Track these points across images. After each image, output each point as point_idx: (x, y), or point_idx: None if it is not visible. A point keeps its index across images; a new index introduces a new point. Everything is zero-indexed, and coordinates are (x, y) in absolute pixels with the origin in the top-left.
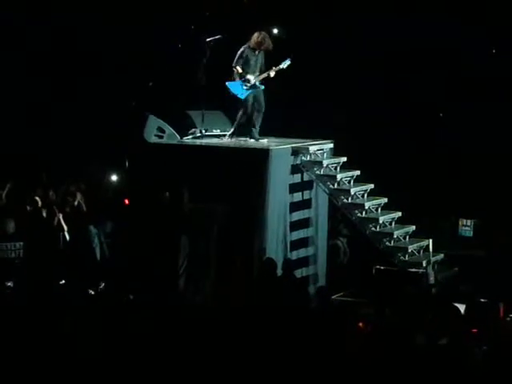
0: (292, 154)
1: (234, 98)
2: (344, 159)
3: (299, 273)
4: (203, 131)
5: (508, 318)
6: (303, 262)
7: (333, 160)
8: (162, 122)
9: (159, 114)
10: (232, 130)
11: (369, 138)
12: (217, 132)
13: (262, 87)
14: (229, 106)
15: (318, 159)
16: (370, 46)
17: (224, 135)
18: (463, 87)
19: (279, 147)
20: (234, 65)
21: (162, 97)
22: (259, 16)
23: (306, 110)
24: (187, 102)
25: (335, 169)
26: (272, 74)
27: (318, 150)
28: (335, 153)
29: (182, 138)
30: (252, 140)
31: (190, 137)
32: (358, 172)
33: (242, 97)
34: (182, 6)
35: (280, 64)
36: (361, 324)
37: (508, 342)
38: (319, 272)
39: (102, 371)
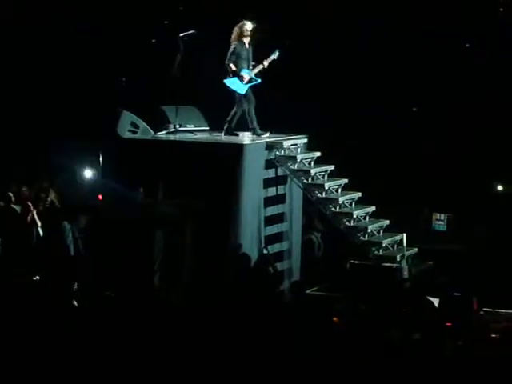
0: (266, 149)
1: (208, 93)
2: (318, 154)
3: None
4: (177, 126)
5: (481, 312)
6: (278, 256)
7: (307, 155)
8: (135, 117)
9: (133, 109)
10: (226, 126)
11: (343, 133)
12: (191, 127)
13: (259, 80)
14: (203, 101)
15: (292, 154)
16: (344, 42)
17: (198, 130)
18: (434, 85)
19: (253, 142)
20: (226, 62)
21: (136, 92)
22: (234, 10)
23: (279, 105)
24: (161, 97)
25: (309, 163)
26: (265, 65)
27: (292, 144)
28: (309, 147)
29: (155, 134)
30: (255, 135)
31: (164, 132)
32: (332, 167)
33: (243, 92)
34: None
35: (271, 55)
36: (335, 319)
37: (481, 336)
38: (294, 267)
39: (76, 368)
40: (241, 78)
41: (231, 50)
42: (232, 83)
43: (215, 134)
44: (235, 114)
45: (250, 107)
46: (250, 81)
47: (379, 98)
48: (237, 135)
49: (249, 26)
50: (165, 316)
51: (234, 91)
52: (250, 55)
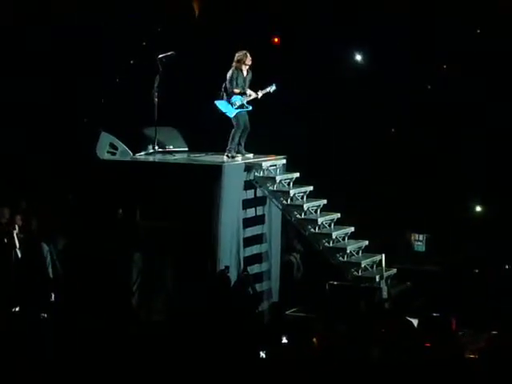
0: (245, 170)
1: (187, 114)
2: (297, 175)
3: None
4: (156, 147)
5: (460, 332)
6: (257, 277)
7: (286, 176)
8: (114, 138)
9: (112, 130)
10: (229, 147)
11: (321, 153)
12: (170, 148)
13: (250, 108)
14: (182, 122)
15: (270, 175)
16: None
17: (177, 151)
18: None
19: (232, 163)
20: (229, 87)
21: (115, 113)
22: (211, 30)
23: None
24: (140, 119)
25: (288, 184)
26: (259, 95)
27: (271, 165)
28: (288, 168)
29: (134, 155)
30: (239, 155)
31: (143, 153)
32: (310, 188)
33: (231, 115)
34: (134, 21)
35: (267, 87)
36: (315, 339)
37: (459, 356)
38: (273, 288)
39: None
40: (232, 104)
41: (230, 74)
42: (222, 105)
43: (194, 155)
44: (234, 136)
45: (243, 133)
46: (241, 107)
47: (357, 120)
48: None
49: (249, 58)
50: (144, 336)
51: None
52: (247, 82)
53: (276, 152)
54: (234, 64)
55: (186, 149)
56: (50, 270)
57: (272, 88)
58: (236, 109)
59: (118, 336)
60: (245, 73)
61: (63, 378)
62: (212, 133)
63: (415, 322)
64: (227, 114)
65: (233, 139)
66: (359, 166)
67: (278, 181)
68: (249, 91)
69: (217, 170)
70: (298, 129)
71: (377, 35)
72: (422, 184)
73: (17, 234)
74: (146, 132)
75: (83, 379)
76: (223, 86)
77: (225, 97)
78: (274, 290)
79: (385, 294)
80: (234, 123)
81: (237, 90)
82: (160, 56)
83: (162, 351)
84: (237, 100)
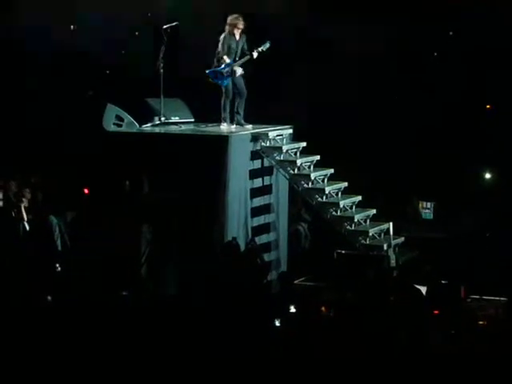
0: (251, 140)
1: (195, 85)
2: (304, 144)
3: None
4: (162, 119)
5: (469, 299)
6: (265, 247)
7: (292, 145)
8: (120, 110)
9: (117, 102)
10: (223, 116)
11: (328, 122)
12: (176, 119)
13: (240, 71)
14: (187, 93)
15: (277, 145)
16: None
17: (183, 122)
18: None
19: (238, 133)
20: (220, 55)
21: (120, 85)
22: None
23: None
24: (146, 90)
25: (295, 154)
26: (254, 56)
27: (277, 135)
28: (294, 138)
29: (140, 126)
30: (238, 126)
31: (149, 124)
32: (317, 157)
33: (224, 84)
34: None
35: (260, 46)
36: (323, 308)
37: (469, 323)
38: (281, 257)
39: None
40: (223, 68)
41: (221, 40)
42: (213, 74)
43: (201, 126)
44: (225, 104)
45: (237, 97)
46: (232, 73)
47: (364, 90)
48: (242, 125)
49: (242, 22)
50: (153, 308)
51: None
52: (239, 48)
53: (281, 123)
54: (226, 28)
55: (192, 120)
56: (59, 243)
57: (266, 46)
58: (227, 76)
59: (128, 309)
60: (237, 37)
61: (68, 354)
62: (218, 103)
63: (423, 289)
64: (219, 83)
65: (224, 108)
66: (366, 134)
67: (284, 150)
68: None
69: (223, 141)
70: (305, 99)
71: None
72: (429, 152)
73: (25, 207)
74: (152, 103)
75: (89, 354)
76: (216, 52)
77: (215, 63)
78: (282, 259)
79: (393, 262)
80: (223, 90)
81: (227, 58)
82: (165, 27)
83: (173, 324)
84: (227, 67)
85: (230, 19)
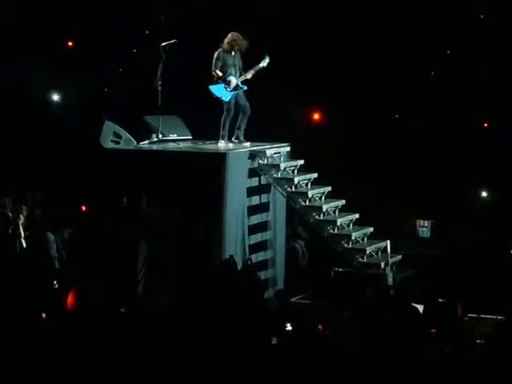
0: (249, 158)
1: (192, 102)
2: (301, 162)
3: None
4: (160, 136)
5: (466, 318)
6: (262, 265)
7: (290, 163)
8: (118, 127)
9: (115, 119)
10: (221, 133)
11: (326, 139)
12: (173, 137)
13: (245, 88)
14: (185, 110)
15: (275, 162)
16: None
17: (181, 140)
18: (413, 91)
19: (236, 151)
20: (213, 69)
21: (119, 102)
22: (213, 19)
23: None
24: (144, 107)
25: (292, 172)
26: (251, 73)
27: (275, 153)
28: (292, 156)
29: (138, 143)
30: (236, 141)
31: (147, 142)
32: (315, 175)
33: (227, 99)
34: (137, 10)
35: (259, 63)
36: (320, 327)
37: (466, 342)
38: (278, 275)
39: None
40: (227, 83)
41: (215, 55)
42: (217, 90)
43: (198, 143)
44: (224, 122)
45: (240, 113)
46: (236, 88)
47: (362, 103)
48: (240, 142)
49: (241, 40)
50: (149, 324)
51: (219, 98)
52: (236, 64)
53: (278, 140)
54: (221, 45)
55: (190, 137)
56: (56, 260)
57: (265, 61)
58: (231, 91)
59: (125, 324)
60: (233, 53)
61: (65, 371)
62: (216, 121)
63: (421, 308)
64: (222, 98)
65: (223, 126)
66: (364, 152)
67: (282, 168)
68: (237, 78)
69: (221, 158)
70: (304, 116)
71: None
72: (427, 170)
73: (22, 224)
74: (150, 120)
75: (86, 371)
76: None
77: (215, 79)
78: (279, 277)
79: (390, 281)
80: (225, 108)
81: (219, 72)
82: (163, 44)
83: (169, 341)
84: (232, 78)
85: (227, 37)
